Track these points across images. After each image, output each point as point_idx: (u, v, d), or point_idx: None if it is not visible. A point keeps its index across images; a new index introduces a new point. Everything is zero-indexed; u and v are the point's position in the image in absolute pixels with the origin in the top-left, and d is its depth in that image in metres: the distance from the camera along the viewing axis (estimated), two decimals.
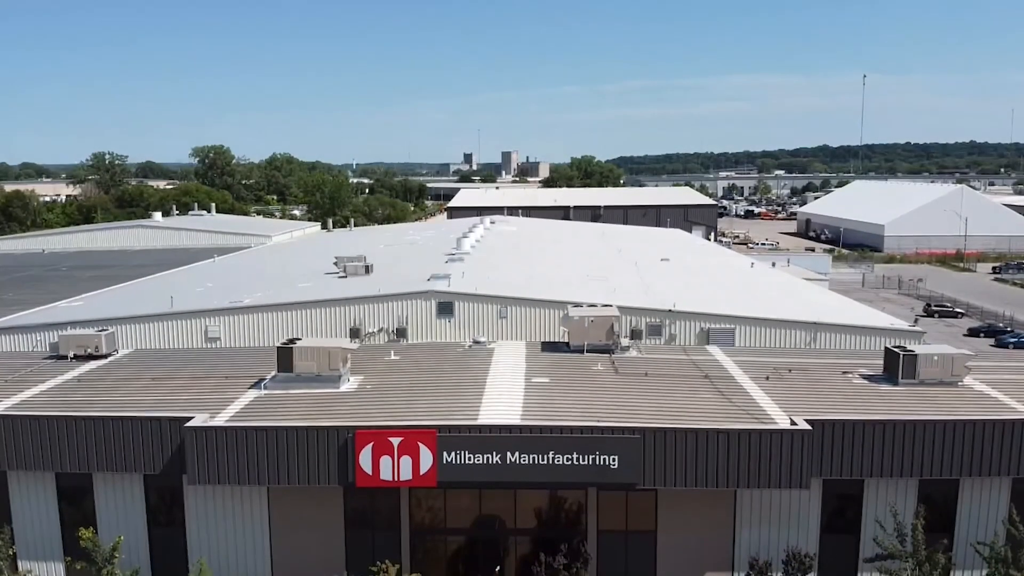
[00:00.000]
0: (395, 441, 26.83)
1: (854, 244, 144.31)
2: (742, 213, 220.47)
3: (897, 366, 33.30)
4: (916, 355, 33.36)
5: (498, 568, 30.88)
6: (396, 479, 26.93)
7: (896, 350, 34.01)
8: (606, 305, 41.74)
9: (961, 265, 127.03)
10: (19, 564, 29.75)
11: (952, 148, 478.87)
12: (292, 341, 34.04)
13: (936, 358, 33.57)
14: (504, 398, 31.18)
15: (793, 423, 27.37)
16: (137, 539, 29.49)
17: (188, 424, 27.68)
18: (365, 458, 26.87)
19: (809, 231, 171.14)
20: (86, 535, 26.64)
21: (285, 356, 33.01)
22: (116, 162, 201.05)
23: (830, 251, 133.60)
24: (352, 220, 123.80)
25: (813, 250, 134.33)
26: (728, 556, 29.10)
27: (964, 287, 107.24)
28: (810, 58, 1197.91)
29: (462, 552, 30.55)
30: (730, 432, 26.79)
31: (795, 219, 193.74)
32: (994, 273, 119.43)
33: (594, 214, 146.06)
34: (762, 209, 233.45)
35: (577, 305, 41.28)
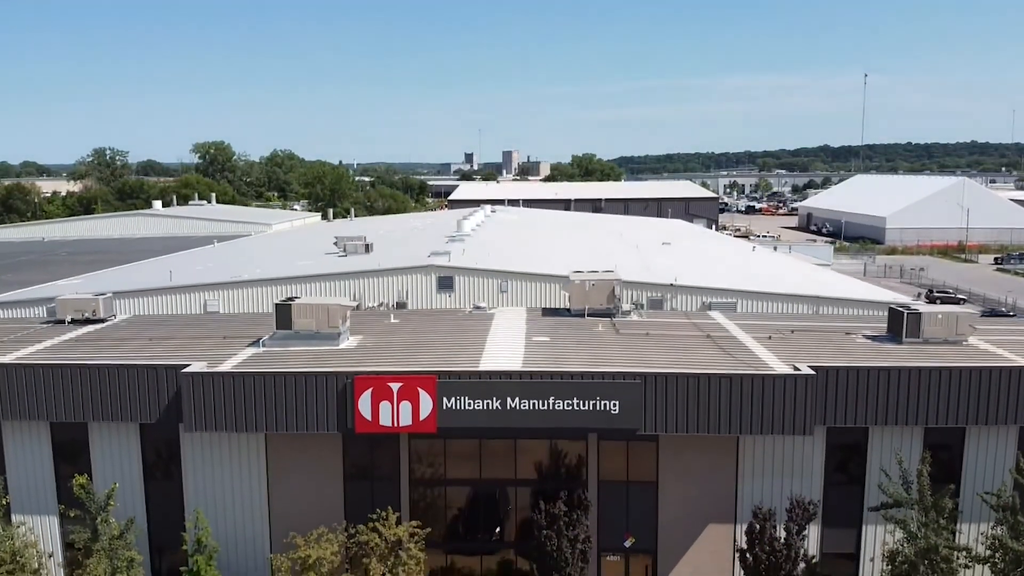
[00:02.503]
0: (394, 387, 26.55)
1: (855, 237, 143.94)
2: (743, 208, 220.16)
3: (901, 325, 32.93)
4: (920, 313, 33.03)
5: (498, 529, 30.62)
6: (396, 425, 26.64)
7: (900, 308, 33.71)
8: (607, 271, 41.49)
9: (963, 256, 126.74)
10: (12, 516, 29.42)
11: (953, 148, 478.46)
12: (291, 299, 33.77)
13: (940, 316, 33.21)
14: (504, 352, 30.94)
15: (796, 369, 27.10)
16: (133, 489, 29.17)
17: (185, 370, 27.40)
18: (364, 404, 26.58)
19: (810, 225, 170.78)
20: (80, 481, 26.36)
21: (284, 313, 32.69)
22: (117, 158, 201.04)
23: (831, 244, 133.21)
24: (353, 211, 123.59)
25: (815, 241, 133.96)
26: (731, 507, 28.77)
27: (966, 276, 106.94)
28: (811, 58, 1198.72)
29: (462, 504, 30.22)
30: (732, 377, 26.48)
31: (796, 214, 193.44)
32: (996, 264, 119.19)
33: (595, 207, 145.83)
34: (763, 205, 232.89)
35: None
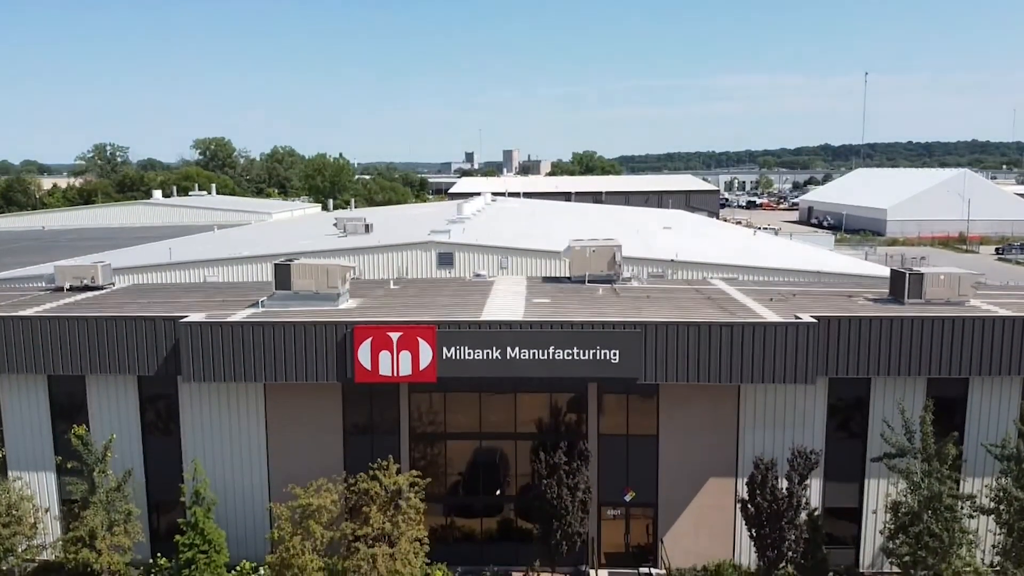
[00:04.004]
0: (394, 336, 26.39)
1: (856, 230, 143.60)
2: (744, 204, 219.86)
3: (903, 286, 32.75)
4: (922, 274, 32.89)
5: (498, 492, 30.44)
6: (395, 374, 26.48)
7: (902, 270, 33.56)
8: (608, 239, 41.36)
9: (964, 247, 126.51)
10: (8, 472, 29.26)
11: (954, 147, 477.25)
12: (290, 260, 33.59)
13: (943, 277, 33.05)
14: (505, 309, 30.78)
15: (797, 318, 26.94)
16: (131, 443, 29.03)
17: (184, 320, 27.26)
18: (364, 353, 26.43)
19: (811, 219, 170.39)
20: (78, 431, 26.22)
21: (283, 273, 32.48)
22: (117, 153, 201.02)
23: (832, 235, 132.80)
24: (353, 202, 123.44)
25: (816, 233, 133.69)
26: (732, 460, 28.59)
27: (967, 266, 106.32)
28: (811, 57, 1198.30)
29: (462, 459, 30.05)
30: (733, 325, 26.32)
31: (796, 209, 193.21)
32: (997, 254, 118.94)
33: (596, 199, 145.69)
34: (764, 200, 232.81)
35: None
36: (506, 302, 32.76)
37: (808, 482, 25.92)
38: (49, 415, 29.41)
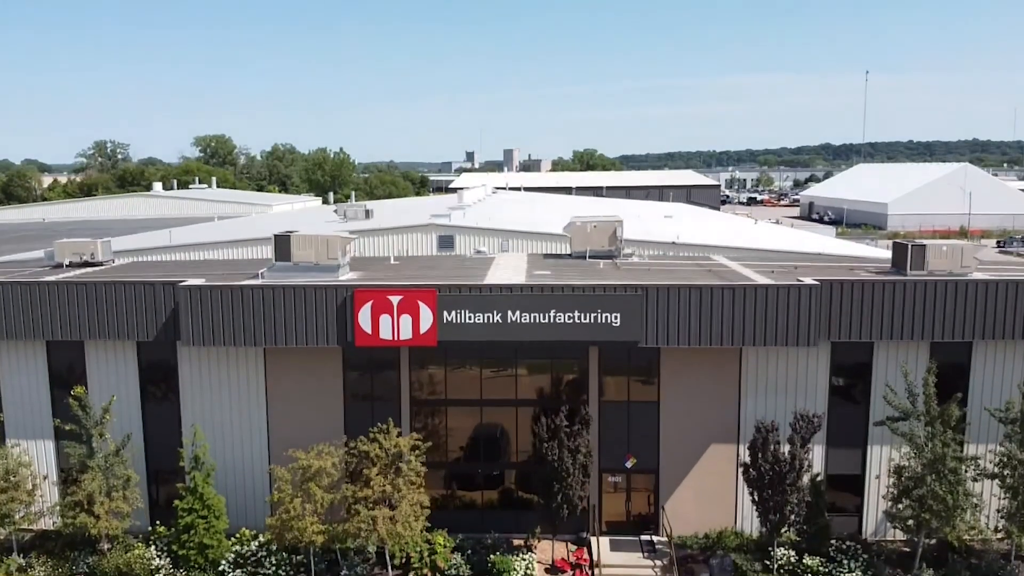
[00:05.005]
0: (395, 300, 26.29)
1: (857, 224, 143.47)
2: (744, 200, 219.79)
3: (905, 258, 32.51)
4: (925, 245, 32.73)
5: (499, 459, 30.29)
6: (396, 338, 26.37)
7: (904, 242, 33.41)
8: (609, 215, 41.22)
9: (965, 241, 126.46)
10: (7, 439, 29.12)
11: (955, 146, 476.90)
12: (290, 232, 33.47)
13: (945, 249, 32.88)
14: (506, 280, 30.65)
15: (799, 281, 26.82)
16: (130, 408, 28.90)
17: (183, 284, 27.15)
18: (364, 317, 26.33)
19: (812, 214, 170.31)
20: (77, 391, 26.09)
21: (283, 244, 32.30)
22: (118, 151, 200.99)
23: (833, 229, 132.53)
24: (354, 195, 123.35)
25: (816, 227, 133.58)
26: (734, 426, 28.44)
27: None
28: (812, 56, 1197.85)
29: (462, 426, 29.91)
30: (735, 288, 26.21)
31: (797, 205, 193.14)
32: (998, 248, 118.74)
33: (596, 194, 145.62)
34: (765, 196, 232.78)
35: None
36: (507, 274, 32.64)
37: (810, 446, 25.77)
38: (48, 381, 29.28)
